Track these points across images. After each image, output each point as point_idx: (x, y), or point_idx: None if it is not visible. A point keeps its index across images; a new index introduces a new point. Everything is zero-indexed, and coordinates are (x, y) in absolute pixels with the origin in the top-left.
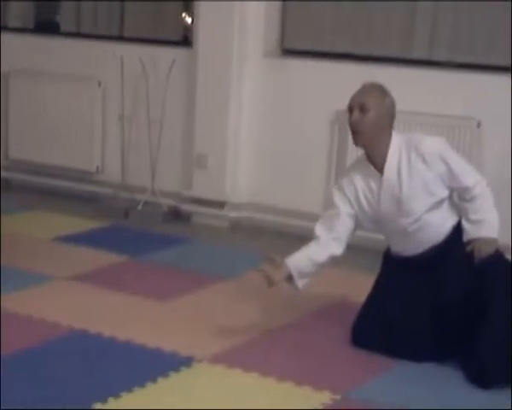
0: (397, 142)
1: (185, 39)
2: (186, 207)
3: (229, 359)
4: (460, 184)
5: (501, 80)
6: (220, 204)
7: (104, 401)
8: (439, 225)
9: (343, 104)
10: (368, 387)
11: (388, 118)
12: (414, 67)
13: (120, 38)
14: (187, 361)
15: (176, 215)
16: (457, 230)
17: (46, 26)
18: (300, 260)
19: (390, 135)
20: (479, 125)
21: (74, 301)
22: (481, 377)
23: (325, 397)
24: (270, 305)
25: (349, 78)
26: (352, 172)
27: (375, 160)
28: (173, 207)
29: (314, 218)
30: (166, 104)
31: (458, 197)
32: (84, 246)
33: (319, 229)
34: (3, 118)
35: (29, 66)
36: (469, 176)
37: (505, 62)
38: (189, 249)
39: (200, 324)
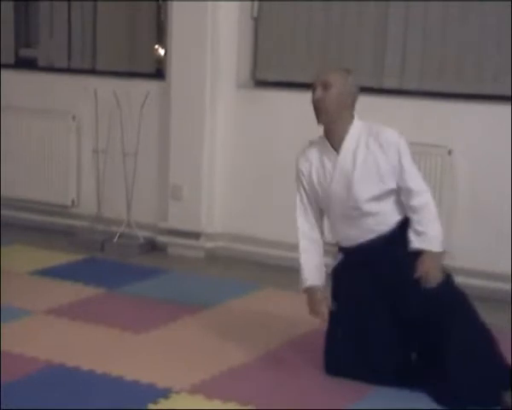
0: (358, 125)
1: (158, 72)
2: (162, 238)
3: (208, 389)
4: (404, 183)
5: (471, 108)
6: (196, 235)
7: None
8: (385, 215)
9: (314, 135)
10: None
11: (351, 96)
12: (385, 95)
13: (94, 72)
14: (165, 393)
15: (152, 247)
16: (403, 228)
17: (24, 62)
18: (315, 275)
19: (352, 116)
20: (450, 152)
21: (52, 335)
22: (456, 400)
23: None
24: (248, 335)
25: None
26: (308, 149)
27: (334, 138)
28: (149, 238)
29: (290, 247)
30: (141, 136)
31: (404, 203)
32: (61, 279)
33: (300, 222)
34: None
35: (4, 101)
36: (415, 180)
37: (476, 90)
38: (166, 281)
39: (177, 355)
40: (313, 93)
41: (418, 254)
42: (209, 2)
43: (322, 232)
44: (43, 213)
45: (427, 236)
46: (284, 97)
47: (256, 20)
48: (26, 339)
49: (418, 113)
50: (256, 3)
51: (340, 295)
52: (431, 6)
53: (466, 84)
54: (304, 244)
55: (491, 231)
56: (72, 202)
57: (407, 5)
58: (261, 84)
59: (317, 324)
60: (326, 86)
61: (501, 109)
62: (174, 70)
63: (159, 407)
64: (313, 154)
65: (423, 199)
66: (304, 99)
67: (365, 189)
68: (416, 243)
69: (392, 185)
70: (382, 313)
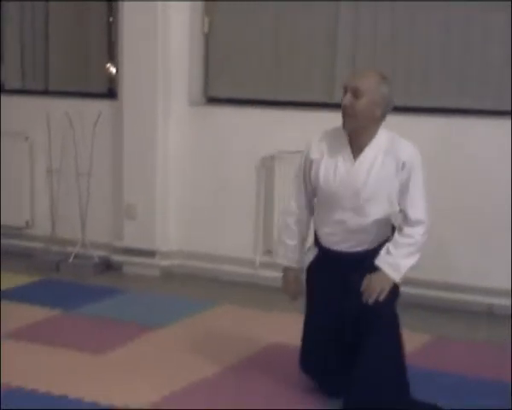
0: (382, 137)
1: (110, 91)
2: (117, 257)
3: (169, 406)
4: (404, 207)
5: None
6: (151, 253)
7: None
8: (373, 236)
9: (267, 150)
10: None
11: (382, 107)
12: (337, 110)
13: (46, 93)
14: None
15: (107, 266)
16: (377, 251)
17: None
18: (293, 256)
19: (379, 126)
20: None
21: (9, 358)
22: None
23: None
24: (206, 352)
25: (273, 124)
26: (323, 140)
27: (356, 143)
28: (104, 258)
29: (244, 262)
30: (94, 156)
31: (398, 221)
32: (18, 302)
33: (294, 205)
34: None
35: None
36: (416, 208)
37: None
38: (122, 300)
39: (136, 374)
40: (343, 96)
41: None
42: (160, 20)
43: (310, 215)
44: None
45: (394, 260)
46: (236, 114)
47: (207, 37)
48: None
49: None
50: (207, 20)
51: (310, 300)
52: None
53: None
54: (290, 222)
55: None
56: (27, 223)
57: (356, 17)
58: (213, 100)
59: (275, 339)
60: (357, 94)
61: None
62: (126, 89)
63: None
64: (328, 148)
65: (414, 231)
66: (255, 115)
67: (373, 206)
68: (380, 259)
69: (397, 208)
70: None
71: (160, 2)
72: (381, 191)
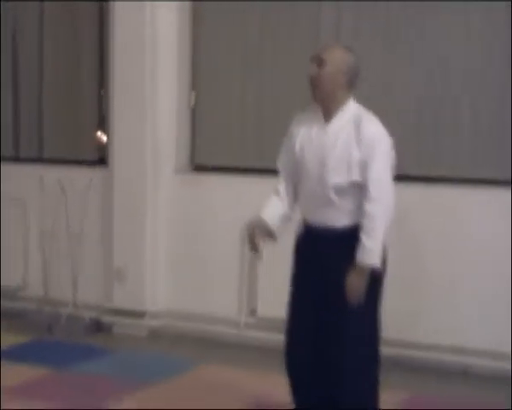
0: (352, 108)
1: (101, 159)
2: (107, 318)
3: None
4: (366, 182)
5: None
6: (140, 314)
7: None
8: (341, 212)
9: (251, 214)
10: None
11: (347, 75)
12: None
13: (40, 160)
14: None
15: (98, 327)
16: (353, 234)
17: None
18: (270, 213)
19: (347, 96)
20: None
21: None
22: None
23: None
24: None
25: (257, 191)
26: (304, 114)
27: (326, 112)
28: (95, 318)
29: (229, 323)
30: (85, 220)
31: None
32: (11, 361)
33: (279, 188)
34: None
35: None
36: (377, 185)
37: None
38: (112, 359)
39: None
40: (309, 68)
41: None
42: (147, 92)
43: (293, 201)
44: None
45: (364, 248)
46: (222, 181)
47: (193, 110)
48: None
49: None
50: (193, 93)
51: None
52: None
53: None
54: (274, 197)
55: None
56: (19, 284)
57: None
58: (199, 168)
59: (258, 397)
60: (321, 63)
61: None
62: (116, 157)
63: None
64: (305, 120)
65: (373, 208)
66: (240, 183)
67: (333, 172)
68: (357, 251)
69: (356, 177)
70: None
71: (147, 75)
72: (343, 161)
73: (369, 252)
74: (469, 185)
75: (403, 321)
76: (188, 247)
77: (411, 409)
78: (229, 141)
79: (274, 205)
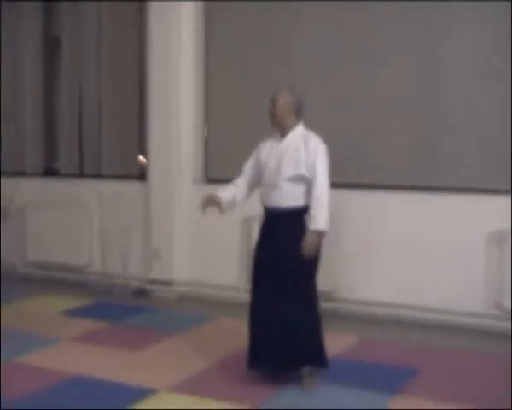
0: (300, 129)
1: (142, 175)
2: (147, 286)
3: (185, 387)
4: (313, 177)
5: None
6: (170, 283)
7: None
8: (292, 195)
9: (249, 212)
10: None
11: (292, 106)
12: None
13: (99, 176)
14: (153, 391)
15: (141, 292)
16: (302, 212)
17: (48, 171)
18: (224, 192)
19: (296, 121)
20: None
21: (74, 355)
22: (282, 364)
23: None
24: (208, 349)
25: (252, 197)
26: (269, 138)
27: (282, 133)
28: (139, 287)
29: (233, 288)
30: (132, 218)
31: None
32: (80, 317)
33: (239, 178)
34: (20, 229)
35: (39, 198)
36: (320, 178)
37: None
38: (151, 315)
39: (161, 365)
40: (268, 106)
41: (301, 233)
42: (174, 129)
43: (248, 188)
44: (67, 271)
45: (314, 217)
46: None
47: (206, 139)
48: (55, 359)
49: None
50: (206, 127)
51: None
52: None
53: None
54: (230, 185)
55: None
56: (86, 263)
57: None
58: (211, 180)
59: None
60: (274, 101)
61: None
62: (152, 174)
63: (150, 400)
64: (269, 141)
65: (319, 191)
66: None
67: (286, 169)
68: (308, 222)
69: (303, 172)
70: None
71: (173, 116)
72: (293, 160)
73: (318, 221)
74: (389, 191)
75: (355, 283)
76: (202, 235)
77: (360, 349)
78: (231, 162)
79: (228, 189)
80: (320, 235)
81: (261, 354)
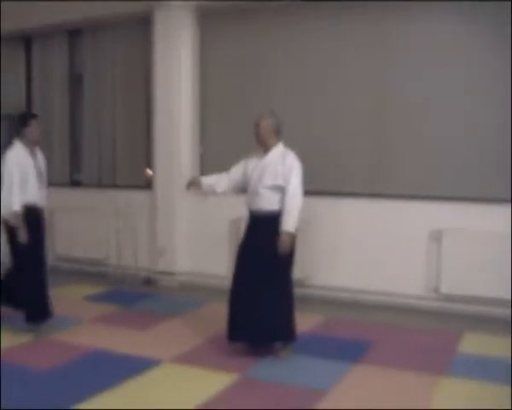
0: (279, 148)
1: (148, 185)
2: (154, 276)
3: (183, 359)
4: (287, 187)
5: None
6: (173, 273)
7: (115, 383)
8: (270, 201)
9: (236, 215)
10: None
11: (272, 128)
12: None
13: (114, 186)
14: (158, 362)
15: (149, 281)
16: (278, 215)
17: (74, 182)
18: (206, 181)
19: (276, 141)
20: None
21: (93, 333)
22: (260, 338)
23: (233, 376)
24: (204, 327)
25: (236, 201)
26: (255, 155)
27: (265, 151)
28: (147, 276)
29: (223, 277)
30: (140, 221)
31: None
32: (99, 301)
33: (224, 175)
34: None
35: (65, 204)
36: (293, 189)
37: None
38: (157, 300)
39: (164, 341)
40: (254, 129)
41: (277, 232)
42: (175, 147)
43: (228, 185)
44: (88, 264)
45: (286, 221)
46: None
47: (202, 156)
48: (79, 335)
49: None
50: (202, 146)
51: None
52: None
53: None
54: (214, 175)
55: None
56: (104, 256)
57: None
58: None
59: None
60: (258, 125)
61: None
62: (157, 184)
63: (156, 369)
64: (255, 157)
65: (292, 201)
66: (227, 196)
67: (266, 179)
68: (282, 225)
69: (280, 183)
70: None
71: (175, 138)
72: (273, 173)
73: (289, 224)
74: (351, 197)
75: (323, 272)
76: (199, 234)
77: (326, 326)
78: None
79: (210, 178)
80: (291, 235)
81: (239, 330)
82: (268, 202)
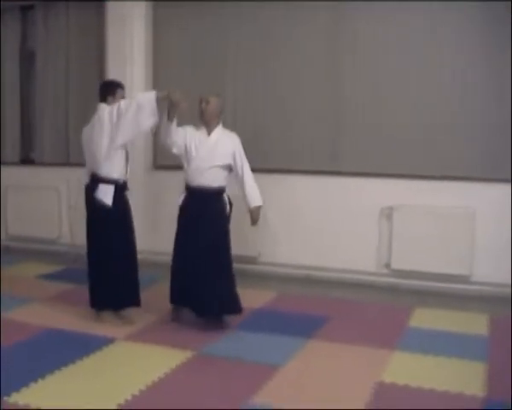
0: (220, 127)
1: None
2: None
3: (137, 337)
4: (235, 163)
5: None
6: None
7: (69, 361)
8: (217, 177)
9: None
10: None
11: (219, 110)
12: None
13: (67, 164)
14: (112, 340)
15: None
16: (223, 191)
17: (25, 160)
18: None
19: (219, 121)
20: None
21: (45, 311)
22: (207, 310)
23: (187, 354)
24: (157, 308)
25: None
26: (196, 128)
27: (208, 129)
28: None
29: None
30: None
31: (237, 176)
32: (51, 280)
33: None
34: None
35: (18, 183)
36: (246, 167)
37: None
38: None
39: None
40: (200, 104)
41: (223, 206)
42: None
43: (173, 136)
44: (41, 243)
45: (252, 197)
46: (174, 175)
47: (155, 134)
48: (30, 315)
49: None
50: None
51: (178, 229)
52: None
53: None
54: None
55: None
56: (57, 235)
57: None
58: (159, 167)
59: None
60: (208, 102)
61: None
62: None
63: (110, 347)
64: (197, 130)
65: (248, 176)
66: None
67: (218, 158)
68: (248, 201)
69: (229, 161)
70: (191, 240)
71: None
72: (223, 153)
73: (257, 199)
74: (305, 175)
75: (275, 249)
76: (154, 211)
77: (280, 303)
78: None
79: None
80: (260, 208)
81: (182, 294)
82: (217, 179)
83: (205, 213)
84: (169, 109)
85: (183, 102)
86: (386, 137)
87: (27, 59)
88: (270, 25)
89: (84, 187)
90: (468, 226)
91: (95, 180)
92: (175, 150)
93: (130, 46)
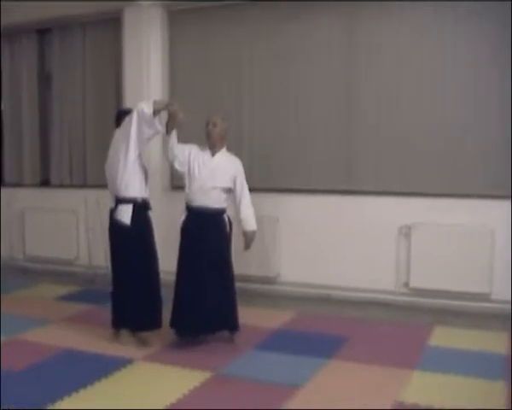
0: (224, 150)
1: None
2: None
3: (155, 358)
4: (235, 188)
5: None
6: None
7: (88, 383)
8: (218, 199)
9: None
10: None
11: (224, 133)
12: None
13: (84, 185)
14: (130, 361)
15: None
16: (223, 212)
17: (44, 182)
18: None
19: (223, 144)
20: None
21: (63, 332)
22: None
23: (206, 374)
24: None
25: None
26: (202, 149)
27: (212, 152)
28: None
29: None
30: None
31: (235, 200)
32: (70, 301)
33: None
34: (21, 230)
35: (36, 204)
36: (243, 190)
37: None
38: None
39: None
40: (207, 126)
41: (223, 227)
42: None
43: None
44: (59, 264)
45: (250, 222)
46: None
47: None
48: (49, 336)
49: None
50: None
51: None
52: None
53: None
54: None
55: None
56: (74, 256)
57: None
58: (176, 188)
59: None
60: (214, 125)
61: None
62: None
63: (129, 368)
64: (202, 151)
65: (247, 200)
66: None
67: (219, 180)
68: (243, 225)
69: (230, 185)
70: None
71: None
72: (224, 176)
73: (252, 223)
74: (322, 194)
75: (293, 270)
76: (168, 231)
77: (299, 323)
78: None
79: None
80: (254, 232)
81: (184, 320)
82: (217, 201)
83: (206, 235)
84: (167, 122)
85: (180, 114)
86: (403, 155)
87: (45, 81)
88: (285, 39)
89: (109, 211)
90: (487, 244)
91: (116, 202)
92: (177, 166)
93: (146, 68)
